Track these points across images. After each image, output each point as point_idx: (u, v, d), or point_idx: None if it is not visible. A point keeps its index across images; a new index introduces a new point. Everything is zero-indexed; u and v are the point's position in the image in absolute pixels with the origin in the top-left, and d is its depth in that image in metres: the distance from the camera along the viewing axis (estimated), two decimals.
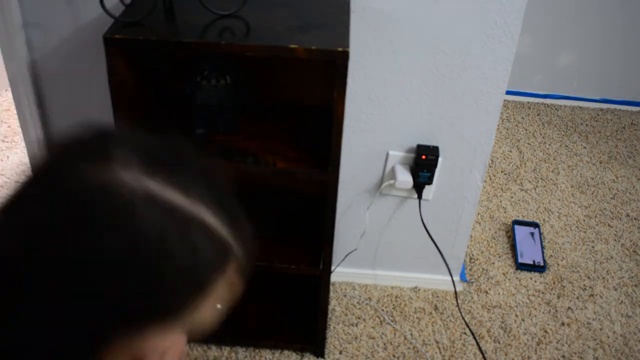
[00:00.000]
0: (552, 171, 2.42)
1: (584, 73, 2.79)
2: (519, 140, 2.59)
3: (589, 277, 1.96)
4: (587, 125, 2.73)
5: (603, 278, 1.96)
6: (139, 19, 1.14)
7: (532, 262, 1.97)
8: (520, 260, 1.98)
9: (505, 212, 2.20)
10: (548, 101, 2.86)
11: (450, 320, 1.79)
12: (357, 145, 1.59)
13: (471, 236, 2.05)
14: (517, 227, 2.10)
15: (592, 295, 1.90)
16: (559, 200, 2.27)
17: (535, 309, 1.84)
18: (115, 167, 0.50)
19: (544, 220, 2.18)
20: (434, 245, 1.70)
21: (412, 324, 1.78)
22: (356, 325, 1.76)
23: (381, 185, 1.67)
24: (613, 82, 2.81)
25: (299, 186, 1.61)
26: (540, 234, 2.09)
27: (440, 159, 1.59)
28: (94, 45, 1.30)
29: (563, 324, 1.80)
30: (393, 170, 1.63)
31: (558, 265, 2.00)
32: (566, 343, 1.75)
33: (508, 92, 2.77)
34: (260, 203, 1.65)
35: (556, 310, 1.84)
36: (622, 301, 1.88)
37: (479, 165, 1.63)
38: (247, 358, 1.66)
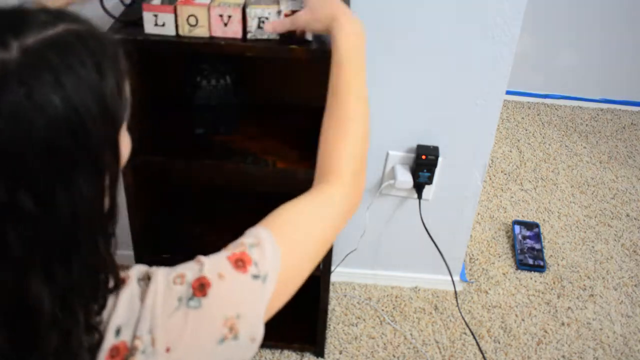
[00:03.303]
0: (552, 171, 2.42)
1: (584, 73, 2.79)
2: (519, 140, 2.59)
3: (589, 277, 1.96)
4: (587, 125, 2.73)
5: (603, 278, 1.96)
6: (138, 19, 1.14)
7: (532, 262, 1.97)
8: (520, 260, 1.98)
9: (505, 212, 2.20)
10: (548, 101, 2.86)
11: (450, 320, 1.79)
12: None
13: (471, 236, 2.05)
14: (517, 227, 2.10)
15: (592, 295, 1.90)
16: (559, 200, 2.27)
17: (535, 309, 1.84)
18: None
19: (544, 220, 2.18)
20: (434, 245, 1.70)
21: (412, 324, 1.78)
22: (356, 325, 1.76)
23: (381, 185, 1.67)
24: (613, 82, 2.81)
25: (299, 186, 1.61)
26: (540, 234, 2.09)
27: (440, 159, 1.59)
28: None
29: (563, 324, 1.80)
30: (393, 170, 1.63)
31: (558, 265, 2.00)
32: (566, 343, 1.75)
33: (508, 92, 2.77)
34: (260, 203, 1.65)
35: (556, 310, 1.84)
36: (622, 301, 1.88)
37: (479, 165, 1.63)
38: None
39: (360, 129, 0.86)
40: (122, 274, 0.65)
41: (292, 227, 0.74)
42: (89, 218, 0.57)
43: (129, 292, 0.63)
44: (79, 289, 0.58)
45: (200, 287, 0.64)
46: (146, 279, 0.65)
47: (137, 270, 0.66)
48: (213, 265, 0.66)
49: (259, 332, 0.68)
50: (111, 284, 0.62)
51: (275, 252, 0.69)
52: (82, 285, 0.58)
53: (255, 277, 0.67)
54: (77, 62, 0.55)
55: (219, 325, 0.64)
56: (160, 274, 0.65)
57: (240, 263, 0.67)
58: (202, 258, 0.68)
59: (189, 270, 0.66)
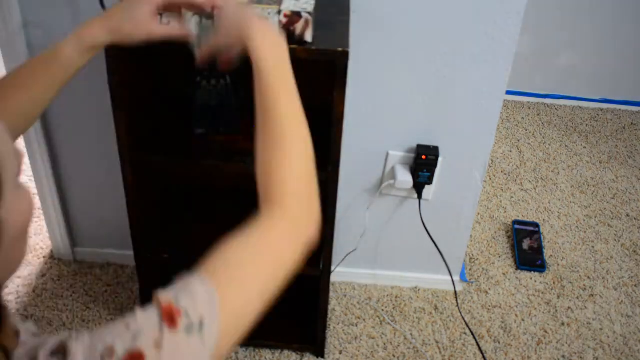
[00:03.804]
0: (552, 171, 2.42)
1: (584, 73, 2.79)
2: (519, 140, 2.59)
3: (589, 277, 1.96)
4: (587, 125, 2.73)
5: (603, 278, 1.96)
6: None
7: (532, 262, 1.97)
8: (520, 260, 1.98)
9: (505, 212, 2.20)
10: (548, 101, 2.86)
11: (450, 320, 1.79)
12: (357, 145, 1.59)
13: (471, 236, 2.05)
14: (517, 227, 2.10)
15: (592, 295, 1.90)
16: (559, 200, 2.27)
17: (535, 309, 1.84)
18: None
19: (544, 220, 2.18)
20: (434, 245, 1.70)
21: (412, 324, 1.78)
22: (356, 325, 1.76)
23: (381, 185, 1.67)
24: (613, 82, 2.81)
25: None
26: (540, 234, 2.09)
27: (440, 159, 1.59)
28: None
29: (563, 324, 1.80)
30: (393, 170, 1.63)
31: (558, 265, 2.00)
32: (566, 343, 1.75)
33: (508, 92, 2.76)
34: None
35: (556, 310, 1.84)
36: (622, 301, 1.88)
37: (479, 165, 1.63)
38: (247, 358, 1.66)
39: (299, 148, 0.78)
40: (31, 353, 0.55)
41: (229, 266, 0.67)
42: None
43: None
44: None
45: None
46: (60, 353, 0.54)
47: (50, 343, 0.56)
48: (148, 328, 0.57)
49: None
50: None
51: (209, 293, 0.62)
52: None
53: (189, 328, 0.58)
54: None
55: None
56: (79, 349, 0.54)
57: (170, 318, 0.58)
58: (138, 317, 0.58)
59: (119, 339, 0.56)
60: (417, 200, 1.66)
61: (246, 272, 0.67)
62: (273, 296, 0.70)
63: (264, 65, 0.80)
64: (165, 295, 0.61)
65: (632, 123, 2.76)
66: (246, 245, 0.70)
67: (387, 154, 1.62)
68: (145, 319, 0.58)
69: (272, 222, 0.73)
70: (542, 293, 1.90)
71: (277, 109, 0.79)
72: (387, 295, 1.86)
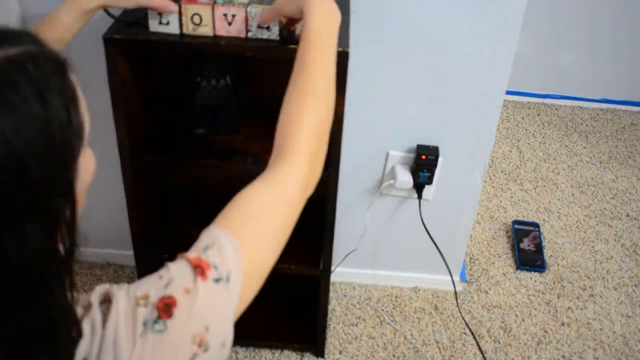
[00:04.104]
0: (552, 171, 2.42)
1: (584, 73, 2.79)
2: (519, 140, 2.59)
3: (589, 277, 1.96)
4: (587, 125, 2.73)
5: (603, 278, 1.96)
6: (139, 19, 1.14)
7: (532, 262, 1.97)
8: (520, 260, 1.98)
9: (505, 212, 2.20)
10: (548, 101, 2.86)
11: (450, 320, 1.79)
12: (357, 145, 1.59)
13: (471, 236, 2.05)
14: (517, 227, 2.10)
15: (592, 295, 1.90)
16: (559, 200, 2.27)
17: (535, 309, 1.84)
18: None
19: (544, 220, 2.18)
20: (434, 245, 1.70)
21: (412, 324, 1.78)
22: (356, 325, 1.76)
23: (381, 185, 1.67)
24: (613, 82, 2.81)
25: None
26: (540, 234, 2.09)
27: (440, 159, 1.59)
28: (94, 45, 1.30)
29: (563, 324, 1.80)
30: (393, 170, 1.63)
31: (558, 265, 2.00)
32: (566, 343, 1.75)
33: (508, 92, 2.76)
34: None
35: (556, 310, 1.84)
36: (622, 301, 1.88)
37: (479, 165, 1.63)
38: (247, 358, 1.66)
39: (323, 107, 0.83)
40: (84, 302, 0.61)
41: (247, 218, 0.70)
42: (42, 268, 0.53)
43: (90, 319, 0.59)
44: (34, 342, 0.53)
45: (166, 308, 0.59)
46: (107, 302, 0.60)
47: (98, 292, 0.61)
48: (179, 277, 0.62)
49: (229, 336, 0.64)
50: (73, 333, 0.57)
51: (234, 247, 0.65)
52: (38, 338, 0.54)
53: (217, 280, 0.63)
54: (15, 96, 0.49)
55: (187, 345, 0.60)
56: (122, 295, 0.60)
57: (199, 270, 0.62)
58: (170, 268, 0.63)
59: (153, 287, 0.61)
60: (417, 200, 1.66)
61: (263, 224, 0.71)
62: (282, 248, 0.73)
63: (314, 26, 0.85)
64: (193, 253, 0.65)
65: (631, 123, 2.76)
66: (262, 197, 0.73)
67: (387, 154, 1.62)
68: (176, 270, 0.63)
69: (286, 176, 0.76)
70: (542, 293, 1.89)
71: (315, 71, 0.83)
72: (387, 295, 1.86)
